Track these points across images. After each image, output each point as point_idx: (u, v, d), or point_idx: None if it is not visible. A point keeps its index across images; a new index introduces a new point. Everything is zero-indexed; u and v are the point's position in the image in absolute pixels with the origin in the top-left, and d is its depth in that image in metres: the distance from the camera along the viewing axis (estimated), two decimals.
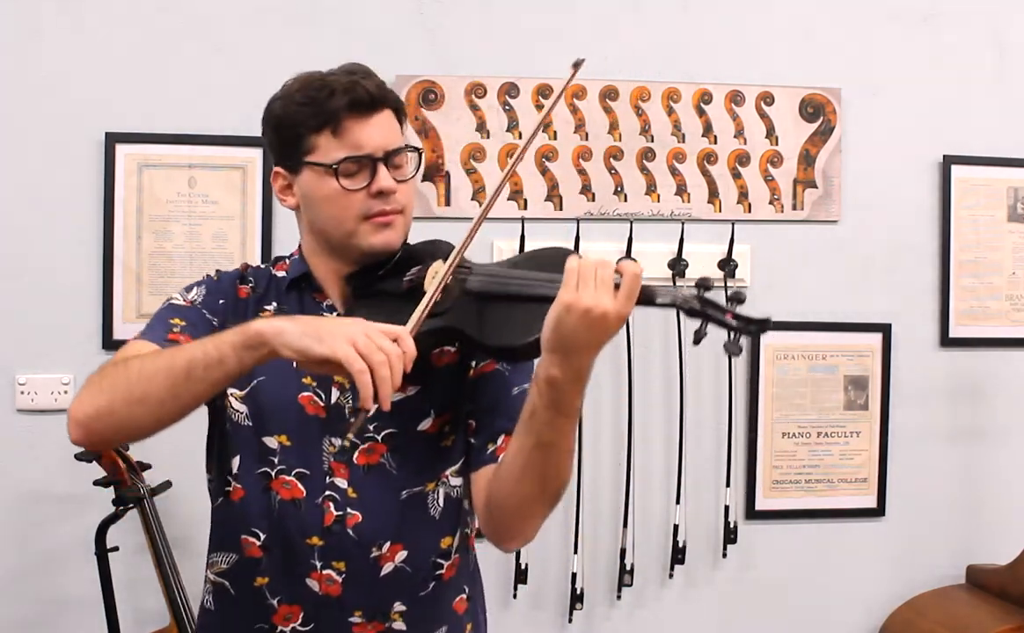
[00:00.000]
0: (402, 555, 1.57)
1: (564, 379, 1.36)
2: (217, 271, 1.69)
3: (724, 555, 2.89)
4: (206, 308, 1.61)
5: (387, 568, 1.56)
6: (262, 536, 1.57)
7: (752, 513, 2.92)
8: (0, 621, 2.65)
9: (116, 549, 2.51)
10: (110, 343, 2.66)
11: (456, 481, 1.63)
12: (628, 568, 2.83)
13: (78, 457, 2.48)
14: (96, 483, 2.48)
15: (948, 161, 2.97)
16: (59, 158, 2.66)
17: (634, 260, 1.43)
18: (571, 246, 2.73)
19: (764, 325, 1.30)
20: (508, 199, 2.80)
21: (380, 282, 1.60)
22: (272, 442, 1.57)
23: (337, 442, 1.56)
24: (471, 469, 1.60)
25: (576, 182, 2.83)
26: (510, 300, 1.48)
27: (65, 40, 2.66)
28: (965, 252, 2.99)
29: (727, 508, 2.87)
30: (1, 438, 2.66)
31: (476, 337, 1.49)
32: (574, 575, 2.79)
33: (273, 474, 1.57)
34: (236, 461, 1.59)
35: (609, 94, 2.84)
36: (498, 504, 1.52)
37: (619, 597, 2.86)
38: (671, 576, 2.88)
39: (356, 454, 1.56)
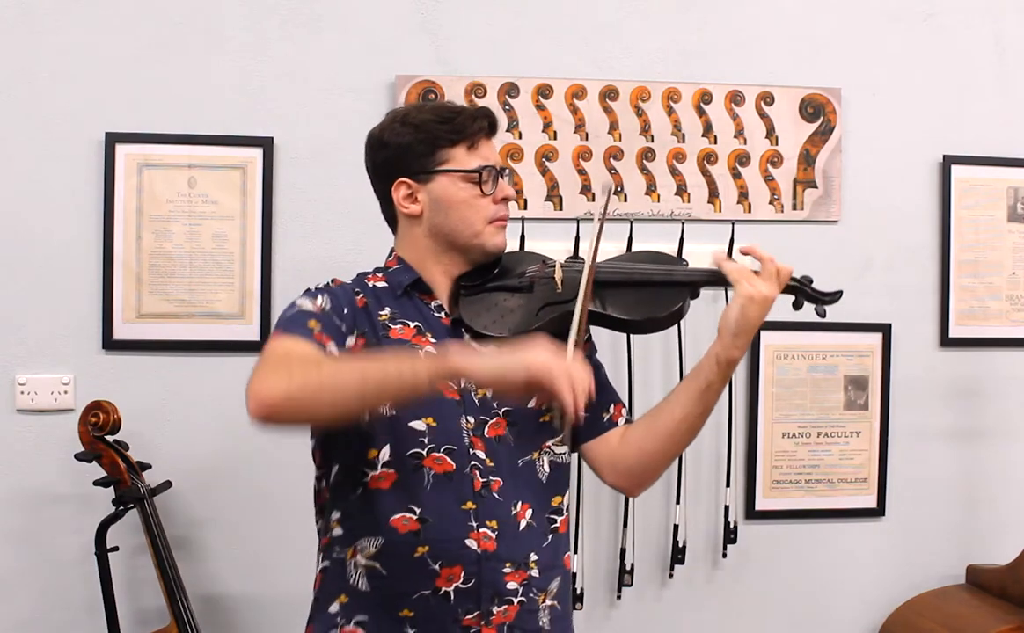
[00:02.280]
0: (529, 512, 1.81)
1: (740, 356, 1.81)
2: (328, 283, 1.84)
3: (724, 555, 2.89)
4: (335, 315, 1.77)
5: (523, 523, 1.80)
6: (418, 510, 1.75)
7: (752, 513, 2.92)
8: (0, 621, 2.65)
9: (116, 549, 2.51)
10: (110, 343, 2.66)
11: (560, 449, 1.88)
12: (628, 568, 2.83)
13: (78, 457, 2.49)
14: (96, 483, 2.48)
15: (948, 161, 2.97)
16: (59, 158, 2.66)
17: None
18: (572, 245, 2.73)
19: (839, 296, 1.92)
20: None
21: (487, 281, 1.87)
22: (420, 425, 1.76)
23: (472, 419, 1.79)
24: (587, 437, 1.93)
25: (576, 182, 2.83)
26: (635, 286, 1.86)
27: (65, 40, 2.66)
28: (965, 252, 2.99)
29: (727, 508, 2.87)
30: (1, 438, 2.66)
31: (616, 315, 1.83)
32: (574, 575, 2.78)
33: (424, 453, 1.76)
34: (386, 450, 1.76)
35: (609, 94, 2.84)
36: (650, 462, 1.90)
37: (619, 597, 2.87)
38: (671, 576, 2.88)
39: (487, 428, 1.80)
